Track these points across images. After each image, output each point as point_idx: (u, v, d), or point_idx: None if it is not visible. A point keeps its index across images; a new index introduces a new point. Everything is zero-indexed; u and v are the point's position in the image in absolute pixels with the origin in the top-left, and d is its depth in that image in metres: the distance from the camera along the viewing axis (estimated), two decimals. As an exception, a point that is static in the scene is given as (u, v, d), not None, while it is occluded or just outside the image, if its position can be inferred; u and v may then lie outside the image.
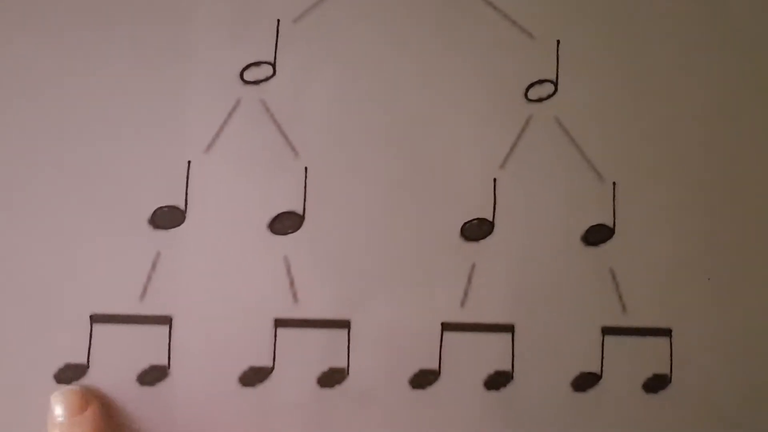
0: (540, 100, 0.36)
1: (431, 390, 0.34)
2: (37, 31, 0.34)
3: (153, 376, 0.33)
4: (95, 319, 0.33)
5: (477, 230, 0.35)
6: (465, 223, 0.35)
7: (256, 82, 0.35)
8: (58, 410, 0.31)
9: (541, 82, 0.36)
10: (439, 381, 0.34)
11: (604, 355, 0.35)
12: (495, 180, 0.35)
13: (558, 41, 0.36)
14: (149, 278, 0.34)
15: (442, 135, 0.35)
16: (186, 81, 0.34)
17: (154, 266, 0.34)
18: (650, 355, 0.35)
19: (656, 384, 0.35)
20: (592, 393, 0.35)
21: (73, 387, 0.32)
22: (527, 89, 0.36)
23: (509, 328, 0.35)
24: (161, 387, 0.33)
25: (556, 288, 0.35)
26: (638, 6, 0.37)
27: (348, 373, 0.34)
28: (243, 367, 0.34)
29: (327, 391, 0.34)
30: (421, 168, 0.35)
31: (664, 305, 0.36)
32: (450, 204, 0.35)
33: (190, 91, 0.34)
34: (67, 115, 0.34)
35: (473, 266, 0.35)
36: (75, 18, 0.34)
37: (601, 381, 0.35)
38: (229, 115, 0.34)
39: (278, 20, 0.35)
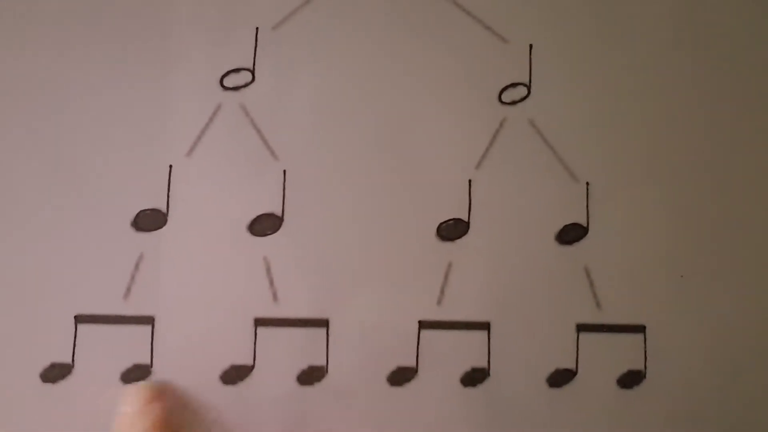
0: (513, 102, 0.37)
1: (409, 387, 0.35)
2: (19, 39, 0.35)
3: (136, 374, 0.34)
4: (80, 319, 0.34)
5: (453, 230, 0.36)
6: (441, 223, 0.36)
7: (236, 88, 0.36)
8: (126, 403, 0.32)
9: (514, 85, 0.37)
10: (417, 378, 0.35)
11: (579, 352, 0.36)
12: (470, 181, 0.36)
13: (531, 45, 0.37)
14: (132, 279, 0.34)
15: (419, 137, 0.36)
16: (168, 87, 0.35)
17: (137, 267, 0.34)
18: (625, 352, 0.36)
19: (631, 380, 0.36)
20: (567, 389, 0.36)
21: (143, 382, 0.34)
22: (501, 92, 0.37)
23: (485, 326, 0.36)
24: (144, 385, 0.34)
25: (532, 286, 0.36)
26: (610, 10, 0.38)
27: (327, 371, 0.35)
28: (224, 365, 0.34)
29: (306, 389, 0.35)
30: (398, 169, 0.36)
31: (638, 302, 0.36)
32: (426, 204, 0.36)
33: (171, 97, 0.35)
34: (51, 121, 0.35)
35: (449, 265, 0.36)
36: (56, 23, 0.35)
37: (577, 377, 0.36)
38: (210, 120, 0.35)
39: (257, 28, 0.36)
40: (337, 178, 0.36)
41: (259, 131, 0.35)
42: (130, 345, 0.34)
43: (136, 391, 0.33)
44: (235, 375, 0.34)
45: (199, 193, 0.35)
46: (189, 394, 0.34)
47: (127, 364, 0.34)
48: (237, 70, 0.36)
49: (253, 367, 0.34)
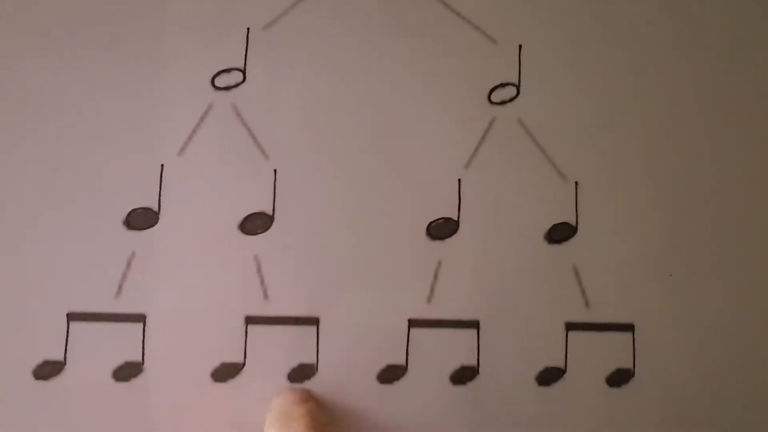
0: (503, 102, 0.37)
1: (398, 385, 0.35)
2: (10, 40, 0.35)
3: (128, 372, 0.34)
4: (72, 317, 0.34)
5: (443, 229, 0.36)
6: (431, 222, 0.36)
7: (227, 88, 0.36)
8: (277, 404, 0.33)
9: (503, 85, 0.37)
10: (407, 376, 0.35)
11: (568, 350, 0.36)
12: (460, 180, 0.36)
13: (520, 46, 0.37)
14: (124, 277, 0.35)
15: (409, 137, 0.37)
16: (159, 87, 0.36)
17: (128, 266, 0.35)
18: (613, 350, 0.36)
19: (619, 378, 0.36)
20: (556, 387, 0.36)
21: (295, 385, 0.35)
22: (490, 92, 0.37)
23: (475, 324, 0.36)
24: (136, 383, 0.34)
25: (521, 284, 0.36)
26: (599, 10, 0.38)
27: (317, 369, 0.35)
28: (215, 363, 0.35)
29: (297, 386, 0.35)
30: (388, 169, 0.36)
31: (626, 301, 0.36)
32: (416, 204, 0.36)
33: (163, 96, 0.36)
34: (43, 121, 0.35)
35: (439, 264, 0.36)
36: (49, 23, 0.36)
37: (566, 375, 0.36)
38: (201, 119, 0.36)
39: (248, 28, 0.36)
40: (328, 177, 0.36)
41: (250, 131, 0.36)
42: (122, 342, 0.34)
43: (288, 392, 0.34)
44: (225, 372, 0.35)
45: (191, 192, 0.35)
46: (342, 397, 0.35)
47: (118, 361, 0.34)
48: (228, 70, 0.36)
49: (243, 364, 0.35)
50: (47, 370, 0.34)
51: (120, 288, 0.35)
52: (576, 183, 0.37)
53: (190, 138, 0.36)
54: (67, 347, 0.34)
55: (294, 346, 0.35)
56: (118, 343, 0.34)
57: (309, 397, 0.34)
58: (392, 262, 0.36)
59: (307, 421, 0.32)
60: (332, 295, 0.35)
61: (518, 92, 0.37)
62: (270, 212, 0.36)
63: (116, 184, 0.35)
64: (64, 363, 0.34)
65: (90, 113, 0.35)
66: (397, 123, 0.36)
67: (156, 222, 0.35)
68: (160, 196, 0.35)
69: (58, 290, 0.34)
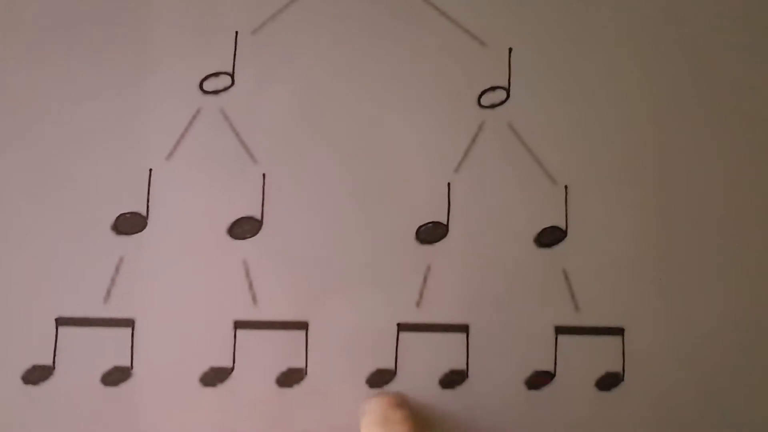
0: (493, 106, 0.37)
1: (387, 389, 0.35)
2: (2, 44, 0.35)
3: (116, 376, 0.34)
4: (60, 321, 0.34)
5: (432, 233, 0.36)
6: (420, 227, 0.36)
7: (216, 92, 0.36)
8: (372, 408, 0.34)
9: (493, 88, 0.37)
10: (396, 380, 0.35)
11: (558, 354, 0.36)
12: (449, 184, 0.36)
13: (510, 49, 0.37)
14: (113, 282, 0.35)
15: (398, 141, 0.36)
16: (147, 92, 0.36)
17: (117, 270, 0.35)
18: (603, 354, 0.36)
19: (609, 382, 0.36)
20: (546, 391, 0.36)
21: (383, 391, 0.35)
22: (480, 96, 0.37)
23: (464, 328, 0.36)
24: (124, 387, 0.34)
25: (510, 288, 0.36)
26: (587, 14, 0.38)
27: (306, 373, 0.35)
28: (204, 367, 0.35)
29: (286, 391, 0.35)
30: (377, 173, 0.36)
31: (616, 305, 0.36)
32: (405, 208, 0.36)
33: (151, 101, 0.36)
34: (32, 126, 0.35)
35: (428, 268, 0.36)
36: (39, 29, 0.36)
37: (555, 379, 0.36)
38: (190, 124, 0.36)
39: (236, 32, 0.36)
40: (316, 181, 0.36)
41: (238, 135, 0.36)
42: (111, 347, 0.34)
43: (381, 396, 0.34)
44: (214, 377, 0.35)
45: (179, 196, 0.35)
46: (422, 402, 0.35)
47: (107, 366, 0.34)
48: (216, 74, 0.36)
49: (232, 369, 0.35)
50: (36, 374, 0.34)
51: (109, 293, 0.35)
52: (566, 187, 0.37)
53: (178, 142, 0.35)
54: (56, 352, 0.34)
55: (283, 350, 0.35)
56: (107, 348, 0.34)
57: (404, 402, 0.34)
58: (381, 266, 0.36)
59: (408, 425, 0.32)
60: (321, 299, 0.35)
61: (508, 96, 0.37)
62: (258, 216, 0.35)
63: (104, 189, 0.35)
64: (53, 368, 0.34)
65: (77, 118, 0.35)
66: (385, 126, 0.36)
67: (144, 227, 0.35)
68: (148, 200, 0.35)
69: (46, 295, 0.34)
